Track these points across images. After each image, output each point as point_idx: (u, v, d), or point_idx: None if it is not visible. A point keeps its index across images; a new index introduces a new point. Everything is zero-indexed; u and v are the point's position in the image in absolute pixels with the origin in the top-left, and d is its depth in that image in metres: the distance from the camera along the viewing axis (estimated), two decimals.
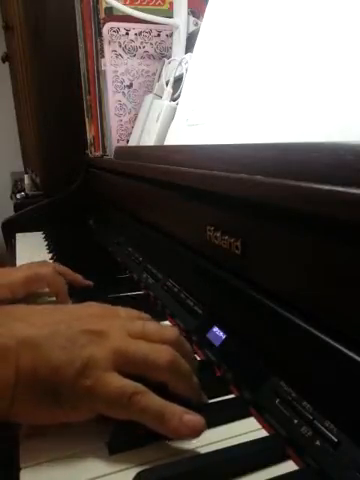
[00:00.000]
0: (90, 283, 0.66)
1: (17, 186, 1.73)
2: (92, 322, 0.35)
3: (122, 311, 0.39)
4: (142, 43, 0.90)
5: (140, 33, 0.89)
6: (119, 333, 0.34)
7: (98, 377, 0.31)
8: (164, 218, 0.61)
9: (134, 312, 0.40)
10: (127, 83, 0.92)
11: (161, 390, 0.33)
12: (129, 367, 0.33)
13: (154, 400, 0.31)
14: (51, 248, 0.94)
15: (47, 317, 0.35)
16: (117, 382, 0.31)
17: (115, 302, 0.61)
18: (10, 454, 0.31)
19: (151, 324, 0.37)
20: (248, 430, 0.33)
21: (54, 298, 0.60)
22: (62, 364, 0.31)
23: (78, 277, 0.65)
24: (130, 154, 0.76)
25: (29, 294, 0.59)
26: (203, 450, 0.31)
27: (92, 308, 0.39)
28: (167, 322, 0.54)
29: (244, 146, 0.39)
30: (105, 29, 0.88)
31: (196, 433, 0.30)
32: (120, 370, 0.32)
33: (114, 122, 0.93)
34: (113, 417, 0.31)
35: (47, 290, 0.61)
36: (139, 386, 0.31)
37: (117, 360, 0.32)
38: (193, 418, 0.31)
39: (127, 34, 0.89)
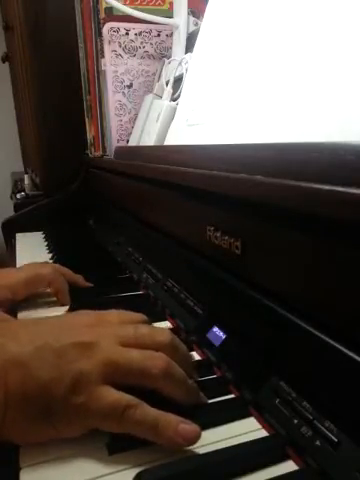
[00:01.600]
0: (90, 285, 0.66)
1: (17, 186, 1.73)
2: (81, 333, 0.34)
3: (113, 316, 0.38)
4: (142, 43, 0.90)
5: (140, 33, 0.89)
6: (110, 343, 0.33)
7: (90, 392, 0.30)
8: (164, 218, 0.61)
9: (126, 315, 0.39)
10: (127, 83, 0.92)
11: (157, 395, 0.33)
12: (122, 378, 0.32)
13: (148, 412, 0.31)
14: (51, 248, 0.94)
15: (34, 332, 0.34)
16: (109, 396, 0.31)
17: (115, 302, 0.61)
18: (10, 454, 0.31)
19: (143, 328, 0.36)
20: (248, 430, 0.33)
21: (55, 298, 0.61)
22: (52, 381, 0.30)
23: (79, 278, 0.66)
24: (130, 154, 0.76)
25: (30, 295, 0.60)
26: (203, 450, 0.31)
27: (81, 317, 0.38)
28: (167, 323, 0.54)
29: (244, 146, 0.39)
30: (105, 29, 0.88)
31: (191, 442, 0.30)
32: (113, 382, 0.32)
33: (114, 122, 0.93)
34: (107, 431, 0.31)
35: (48, 290, 0.61)
36: (132, 399, 0.31)
37: (109, 372, 0.32)
38: (188, 427, 0.30)
39: (127, 34, 0.89)
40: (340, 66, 0.36)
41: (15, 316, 0.58)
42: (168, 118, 0.72)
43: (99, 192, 1.08)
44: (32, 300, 0.61)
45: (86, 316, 0.38)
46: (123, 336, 0.34)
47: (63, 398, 0.30)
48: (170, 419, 0.31)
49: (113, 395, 0.31)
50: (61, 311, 0.58)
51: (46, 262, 0.72)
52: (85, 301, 0.61)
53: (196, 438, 0.30)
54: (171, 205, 0.58)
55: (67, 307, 0.59)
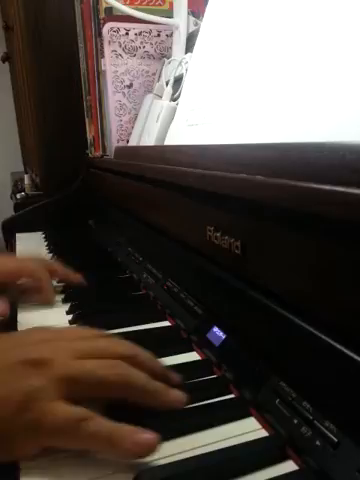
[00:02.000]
0: (80, 277, 0.66)
1: (17, 186, 1.73)
2: (34, 350, 0.33)
3: (71, 331, 0.38)
4: (142, 43, 0.90)
5: (140, 33, 0.89)
6: (64, 357, 0.33)
7: (41, 409, 0.29)
8: (164, 218, 0.61)
9: (83, 331, 0.39)
10: (127, 83, 0.92)
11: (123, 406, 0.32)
12: (79, 391, 0.31)
13: (103, 424, 0.30)
14: (51, 248, 0.95)
15: None
16: (61, 411, 0.30)
17: (115, 302, 0.61)
18: None
19: (102, 341, 0.36)
20: (248, 430, 0.33)
21: (58, 297, 0.62)
22: (0, 400, 0.29)
23: (70, 274, 0.66)
24: (130, 154, 0.76)
25: (16, 284, 0.62)
26: (203, 450, 0.31)
27: (35, 334, 0.37)
28: (167, 322, 0.54)
29: (244, 146, 0.39)
30: (105, 29, 0.88)
31: (149, 451, 0.29)
32: (71, 396, 0.31)
33: (114, 122, 0.93)
34: (63, 448, 0.30)
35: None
36: (85, 412, 0.30)
37: (63, 387, 0.31)
38: (145, 436, 0.29)
39: (127, 34, 0.89)
40: (340, 66, 0.36)
41: (15, 315, 0.58)
42: (168, 118, 0.72)
43: (99, 192, 1.08)
44: (18, 295, 0.62)
45: (42, 332, 0.37)
46: (79, 350, 0.34)
47: (12, 416, 0.29)
48: (125, 429, 0.30)
49: (65, 409, 0.30)
50: (62, 311, 0.58)
51: (41, 257, 0.74)
52: (85, 301, 0.61)
53: (153, 446, 0.29)
54: (171, 205, 0.58)
55: (67, 307, 0.59)
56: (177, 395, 0.35)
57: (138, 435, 0.29)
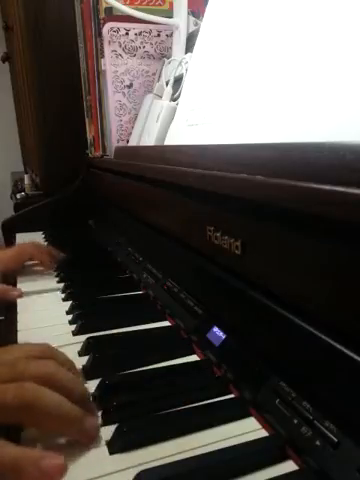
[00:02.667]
0: (62, 254, 0.82)
1: (17, 186, 1.73)
2: None
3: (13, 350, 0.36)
4: (142, 43, 0.90)
5: (140, 33, 0.89)
6: None
7: None
8: (164, 218, 0.61)
9: (11, 351, 0.37)
10: (127, 83, 0.92)
11: None
12: None
13: (7, 452, 0.28)
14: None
15: None
16: None
17: (115, 302, 0.61)
18: None
19: (20, 364, 0.34)
20: (248, 430, 0.33)
21: (41, 268, 0.78)
22: None
23: (52, 250, 0.82)
24: (130, 154, 0.76)
25: (19, 265, 0.78)
26: (203, 450, 0.31)
27: None
28: (167, 322, 0.54)
29: (244, 146, 0.39)
30: (105, 29, 0.88)
31: (58, 476, 0.28)
32: None
33: (114, 122, 0.93)
34: None
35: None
36: None
37: None
38: (51, 462, 0.28)
39: (127, 34, 0.89)
40: (340, 66, 0.36)
41: (15, 315, 0.59)
42: (168, 118, 0.72)
43: (99, 192, 1.08)
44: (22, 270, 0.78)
45: None
46: None
47: None
48: (32, 455, 0.28)
49: None
50: (62, 311, 0.59)
51: (26, 242, 0.85)
52: (86, 300, 0.62)
53: (61, 472, 0.28)
54: (171, 205, 0.58)
55: (67, 307, 0.59)
56: (93, 423, 0.33)
57: (44, 462, 0.28)
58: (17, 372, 0.33)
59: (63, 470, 0.28)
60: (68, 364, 0.38)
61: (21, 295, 0.66)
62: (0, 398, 0.30)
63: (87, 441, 0.32)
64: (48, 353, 0.37)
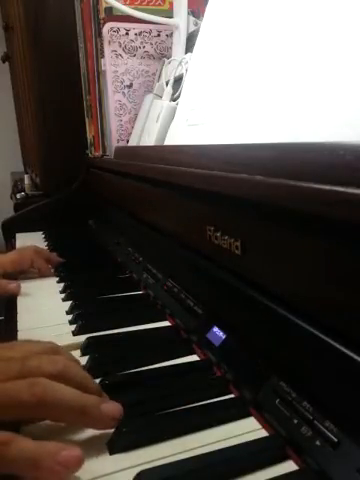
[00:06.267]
0: (62, 260, 0.81)
1: (17, 186, 1.73)
2: None
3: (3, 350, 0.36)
4: (142, 43, 0.90)
5: (140, 33, 0.89)
6: None
7: None
8: (164, 218, 0.61)
9: (20, 348, 0.37)
10: (127, 83, 0.92)
11: None
12: None
13: (25, 446, 0.28)
14: (51, 248, 0.95)
15: None
16: None
17: (115, 302, 0.61)
18: None
19: (33, 361, 0.34)
20: (248, 430, 0.33)
21: (37, 274, 0.77)
22: None
23: (52, 255, 0.81)
24: (130, 154, 0.76)
25: (18, 271, 0.76)
26: (203, 450, 0.31)
27: None
28: (167, 322, 0.54)
29: (244, 146, 0.39)
30: (105, 29, 0.88)
31: (74, 468, 0.29)
32: None
33: (114, 122, 0.93)
34: None
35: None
36: (4, 434, 0.28)
37: None
38: (68, 454, 0.28)
39: (127, 34, 0.89)
40: (340, 66, 0.36)
41: (15, 315, 0.59)
42: (168, 118, 0.72)
43: (99, 192, 1.08)
44: (20, 275, 0.76)
45: None
46: (3, 372, 0.32)
47: None
48: (49, 448, 0.28)
49: None
50: (62, 311, 0.58)
51: (28, 246, 0.83)
52: (86, 300, 0.62)
53: (78, 464, 0.29)
54: (171, 205, 0.58)
55: (67, 307, 0.59)
56: (111, 409, 0.33)
57: (62, 454, 0.28)
58: (28, 368, 0.33)
59: (81, 461, 0.29)
60: (75, 361, 0.38)
61: (19, 287, 0.67)
62: (15, 396, 0.30)
63: (111, 426, 0.32)
64: (55, 350, 0.38)
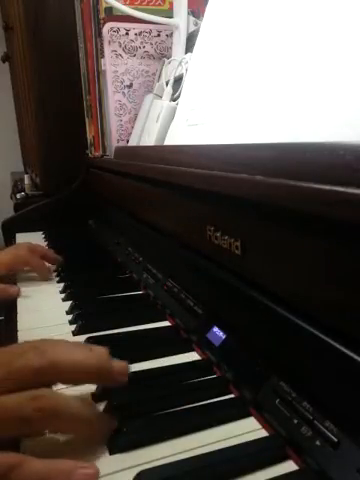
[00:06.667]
0: (59, 258, 0.79)
1: (17, 186, 1.73)
2: None
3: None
4: (142, 43, 0.90)
5: (140, 33, 0.89)
6: None
7: None
8: (164, 218, 0.61)
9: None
10: (127, 83, 0.92)
11: None
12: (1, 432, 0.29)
13: (37, 467, 0.27)
14: (51, 248, 0.94)
15: None
16: None
17: (115, 302, 0.61)
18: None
19: (19, 360, 0.31)
20: (248, 430, 0.33)
21: (35, 274, 0.75)
22: None
23: (49, 252, 0.80)
24: (130, 154, 0.76)
25: (15, 271, 0.75)
26: (203, 450, 0.31)
27: None
28: (167, 322, 0.54)
29: (244, 146, 0.39)
30: (105, 29, 0.88)
31: None
32: None
33: (114, 122, 0.93)
34: None
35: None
36: (14, 456, 0.27)
37: None
38: (84, 472, 0.28)
39: (127, 34, 0.89)
40: (340, 66, 0.36)
41: (15, 316, 0.59)
42: (168, 118, 0.72)
43: (99, 192, 1.08)
44: (16, 277, 0.76)
45: None
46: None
47: None
48: (62, 467, 0.27)
49: None
50: (62, 311, 0.58)
51: (20, 243, 0.83)
52: (86, 300, 0.62)
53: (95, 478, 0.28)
54: (171, 205, 0.58)
55: (67, 307, 0.59)
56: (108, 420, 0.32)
57: (78, 472, 0.27)
58: (16, 369, 0.31)
59: (96, 478, 0.28)
60: (61, 345, 0.35)
61: (19, 292, 0.66)
62: (17, 411, 0.29)
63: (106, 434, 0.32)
64: (36, 345, 0.34)
